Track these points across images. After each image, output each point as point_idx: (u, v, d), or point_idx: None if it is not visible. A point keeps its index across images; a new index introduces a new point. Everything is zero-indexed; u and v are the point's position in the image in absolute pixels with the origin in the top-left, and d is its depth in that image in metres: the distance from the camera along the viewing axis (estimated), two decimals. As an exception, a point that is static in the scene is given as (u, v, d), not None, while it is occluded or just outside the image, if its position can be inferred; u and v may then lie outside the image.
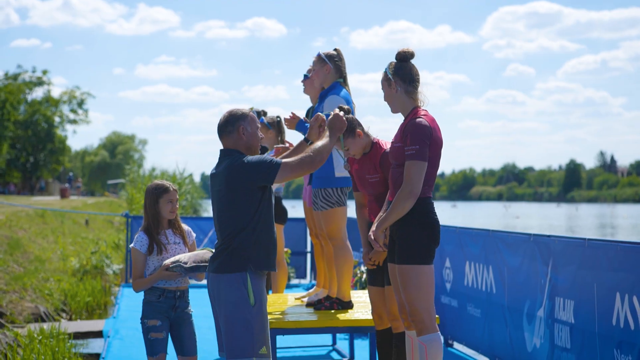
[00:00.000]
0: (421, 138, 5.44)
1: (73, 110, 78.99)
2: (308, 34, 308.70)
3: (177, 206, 6.38)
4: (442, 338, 5.63)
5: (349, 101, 7.24)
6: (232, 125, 5.41)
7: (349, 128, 6.14)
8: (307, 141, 5.69)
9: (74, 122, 79.07)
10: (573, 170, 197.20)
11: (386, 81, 5.71)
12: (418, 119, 5.52)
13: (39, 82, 74.68)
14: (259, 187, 5.23)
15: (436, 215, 5.65)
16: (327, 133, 5.47)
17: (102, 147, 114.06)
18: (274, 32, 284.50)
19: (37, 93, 75.60)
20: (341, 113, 5.57)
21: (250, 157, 5.27)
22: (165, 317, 6.27)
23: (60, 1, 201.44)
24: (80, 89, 79.31)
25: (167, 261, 6.17)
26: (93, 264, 19.00)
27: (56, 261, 19.73)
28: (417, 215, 5.51)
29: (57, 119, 76.84)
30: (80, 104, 79.13)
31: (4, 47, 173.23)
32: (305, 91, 8.04)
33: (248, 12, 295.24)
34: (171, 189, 6.32)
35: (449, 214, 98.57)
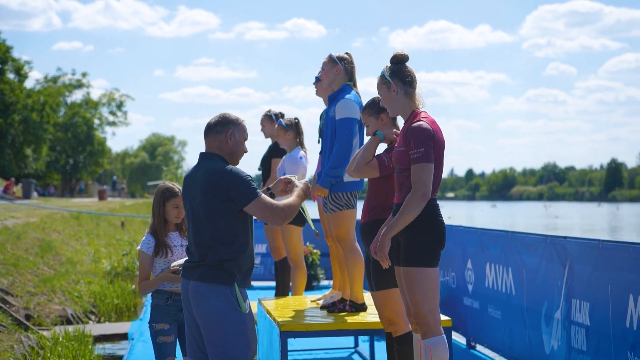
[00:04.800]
0: (425, 140, 5.40)
1: (112, 112, 79.79)
2: (347, 35, 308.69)
3: (184, 210, 6.36)
4: (446, 341, 5.58)
5: (359, 103, 7.23)
6: (221, 126, 5.24)
7: (375, 109, 6.22)
8: (268, 190, 5.51)
9: (113, 124, 79.87)
10: (614, 169, 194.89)
11: (384, 84, 5.67)
12: (419, 122, 5.47)
13: (79, 85, 75.52)
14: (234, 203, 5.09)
15: (442, 217, 5.60)
16: (297, 194, 5.33)
17: (142, 148, 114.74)
18: (314, 33, 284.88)
19: (77, 95, 76.48)
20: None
21: (234, 169, 5.11)
22: (174, 320, 6.26)
23: (101, 4, 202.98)
24: (119, 91, 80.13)
25: (174, 263, 6.17)
26: (124, 266, 19.10)
27: (88, 263, 19.86)
28: (422, 217, 5.46)
29: (96, 121, 77.60)
30: (119, 106, 79.92)
31: (47, 50, 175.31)
32: (317, 93, 8.06)
33: (287, 14, 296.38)
34: (179, 194, 6.28)
35: (489, 214, 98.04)
